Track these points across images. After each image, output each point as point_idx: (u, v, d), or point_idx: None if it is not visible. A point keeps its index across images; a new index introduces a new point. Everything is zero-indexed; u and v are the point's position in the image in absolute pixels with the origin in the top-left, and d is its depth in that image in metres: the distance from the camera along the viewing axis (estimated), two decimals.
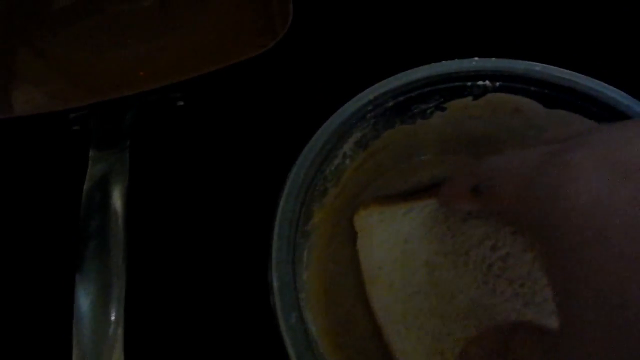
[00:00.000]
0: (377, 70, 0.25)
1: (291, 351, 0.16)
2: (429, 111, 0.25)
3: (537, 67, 0.23)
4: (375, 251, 0.24)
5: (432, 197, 0.23)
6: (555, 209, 0.14)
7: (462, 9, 0.33)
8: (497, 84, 0.24)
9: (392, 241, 0.24)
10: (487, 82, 0.24)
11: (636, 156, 0.14)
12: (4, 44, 0.35)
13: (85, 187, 0.26)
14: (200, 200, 0.28)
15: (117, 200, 0.25)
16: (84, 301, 0.21)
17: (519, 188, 0.16)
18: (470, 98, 0.25)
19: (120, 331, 0.20)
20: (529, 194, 0.15)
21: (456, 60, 0.23)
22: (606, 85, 0.23)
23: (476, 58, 0.24)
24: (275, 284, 0.17)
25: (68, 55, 0.36)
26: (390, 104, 0.23)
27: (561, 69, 0.23)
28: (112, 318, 0.21)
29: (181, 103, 0.32)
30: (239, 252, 0.25)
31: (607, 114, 0.23)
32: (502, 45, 0.25)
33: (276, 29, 0.31)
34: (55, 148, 0.31)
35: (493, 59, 0.24)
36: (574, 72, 0.23)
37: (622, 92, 0.23)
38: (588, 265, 0.13)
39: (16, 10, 0.38)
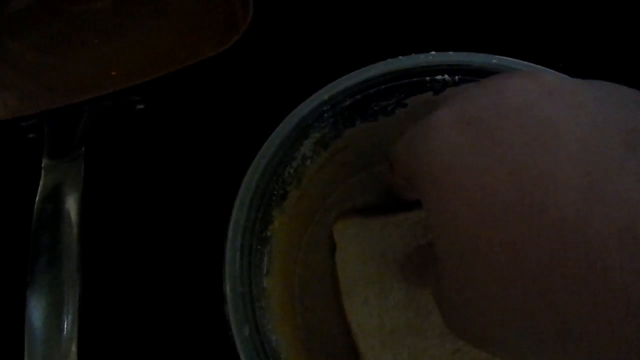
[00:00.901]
0: (336, 68, 0.24)
1: None
2: (390, 108, 0.25)
3: (494, 60, 0.23)
4: (351, 264, 0.23)
5: (411, 212, 0.23)
6: (423, 166, 0.16)
7: (420, 4, 0.32)
8: (457, 77, 0.24)
9: (369, 255, 0.23)
10: (446, 77, 0.24)
11: (482, 108, 0.15)
12: None
13: (37, 198, 0.25)
14: (159, 208, 0.27)
15: (70, 210, 0.24)
16: (35, 317, 0.20)
17: (404, 154, 0.17)
18: (430, 93, 0.24)
19: (73, 347, 0.20)
20: (408, 157, 0.17)
21: (412, 55, 0.23)
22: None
23: (433, 52, 0.23)
24: (228, 294, 0.17)
25: (19, 59, 0.35)
26: (348, 102, 0.23)
27: (518, 61, 0.23)
28: (65, 333, 0.20)
29: (141, 106, 0.31)
30: (195, 261, 0.24)
31: None
32: (461, 39, 0.25)
33: (235, 28, 0.31)
34: (9, 157, 0.30)
35: (450, 52, 0.23)
36: (533, 64, 0.23)
37: None
38: (453, 211, 0.14)
39: None
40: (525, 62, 0.23)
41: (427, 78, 0.24)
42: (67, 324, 0.20)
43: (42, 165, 0.26)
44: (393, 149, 0.19)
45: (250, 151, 0.22)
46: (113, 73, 0.33)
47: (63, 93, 0.32)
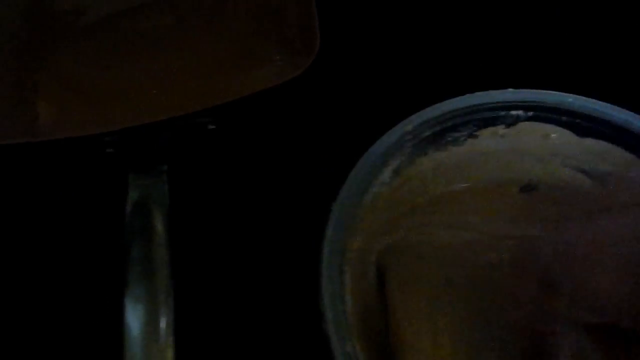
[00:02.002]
0: (412, 100, 0.25)
1: None
2: (462, 139, 0.26)
3: (570, 99, 0.24)
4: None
5: None
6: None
7: (497, 43, 0.34)
8: (530, 113, 0.25)
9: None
10: (520, 112, 0.25)
11: None
12: (29, 65, 0.36)
13: (126, 212, 0.26)
14: (241, 223, 0.28)
15: (158, 223, 0.26)
16: (134, 325, 0.22)
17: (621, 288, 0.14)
18: (502, 126, 0.26)
19: (170, 353, 0.21)
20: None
21: (491, 91, 0.24)
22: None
23: (510, 89, 0.24)
24: (328, 312, 0.18)
25: (94, 77, 0.37)
26: (427, 133, 0.24)
27: (595, 100, 0.24)
28: (162, 340, 0.21)
29: (212, 127, 0.33)
30: (283, 274, 0.25)
31: None
32: (535, 76, 0.26)
33: (304, 57, 0.32)
34: (89, 171, 0.32)
35: (526, 90, 0.24)
36: (609, 104, 0.24)
37: None
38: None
39: (40, 29, 0.39)
40: (601, 102, 0.24)
41: (502, 113, 0.25)
42: (163, 331, 0.21)
43: (129, 180, 0.28)
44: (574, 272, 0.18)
45: (329, 174, 0.24)
46: (182, 96, 0.35)
47: (136, 113, 0.34)
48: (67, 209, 0.30)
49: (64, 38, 0.39)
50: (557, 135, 0.26)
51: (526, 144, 0.26)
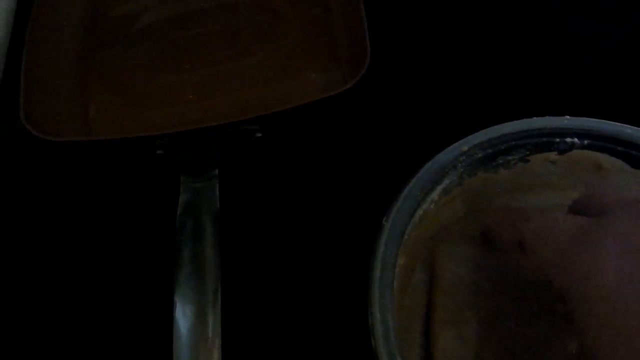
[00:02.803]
0: (467, 120, 0.26)
1: None
2: (513, 162, 0.26)
3: (629, 130, 0.24)
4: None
5: None
6: (586, 282, 0.18)
7: (557, 70, 0.34)
8: (585, 141, 0.25)
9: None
10: (575, 140, 0.25)
11: None
12: (85, 67, 0.38)
13: (178, 213, 0.27)
14: (289, 231, 0.29)
15: (208, 227, 0.27)
16: (182, 324, 0.22)
17: (555, 256, 0.19)
18: (555, 153, 0.25)
19: (216, 353, 0.21)
20: (563, 263, 0.19)
21: (547, 117, 0.24)
22: None
23: (567, 116, 0.24)
24: (378, 327, 0.18)
25: (145, 81, 0.38)
26: (480, 155, 0.24)
27: None
28: (209, 340, 0.22)
29: (259, 135, 0.34)
30: (331, 285, 0.26)
31: None
32: (591, 105, 0.26)
33: (353, 71, 0.32)
34: (139, 171, 0.33)
35: (584, 118, 0.24)
36: None
37: None
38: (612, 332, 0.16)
39: (95, 34, 0.40)
40: None
41: (557, 139, 0.25)
42: (210, 332, 0.22)
43: (181, 182, 0.29)
44: (534, 241, 0.21)
45: (376, 188, 0.24)
46: (229, 104, 0.36)
47: (184, 119, 0.35)
48: (121, 208, 0.31)
49: (118, 43, 0.40)
50: (611, 165, 0.25)
51: (577, 173, 0.26)
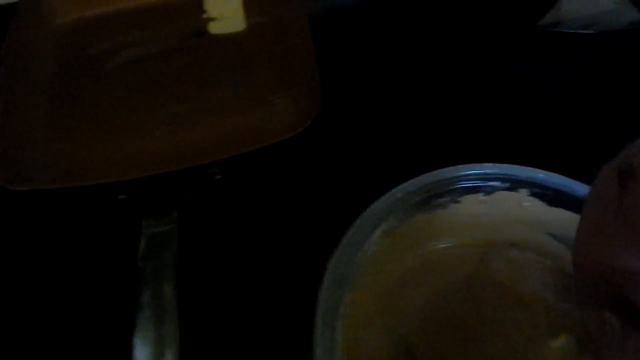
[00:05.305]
0: (403, 168, 0.29)
1: None
2: (445, 203, 0.29)
3: (541, 174, 0.27)
4: None
5: None
6: None
7: (479, 122, 0.38)
8: (506, 184, 0.28)
9: None
10: (497, 183, 0.28)
11: None
12: (58, 109, 0.38)
13: (139, 257, 0.29)
14: (242, 271, 0.31)
15: (168, 270, 0.28)
16: None
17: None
18: (482, 194, 0.29)
19: None
20: None
21: (472, 164, 0.28)
22: None
23: (488, 164, 0.28)
24: None
25: (114, 122, 0.39)
26: (416, 199, 0.27)
27: (561, 176, 0.27)
28: None
29: (219, 177, 0.35)
30: (279, 325, 0.28)
31: None
32: (512, 152, 0.29)
33: (307, 114, 0.34)
34: (103, 216, 0.34)
35: (502, 164, 0.28)
36: (572, 180, 0.27)
37: None
38: None
39: (69, 74, 0.41)
40: (566, 178, 0.27)
41: (482, 183, 0.28)
42: None
43: (143, 226, 0.30)
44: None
45: (324, 231, 0.27)
46: (193, 148, 0.37)
47: (149, 163, 0.36)
48: (81, 253, 0.32)
49: (90, 82, 0.41)
50: (530, 204, 0.29)
51: (505, 210, 0.29)
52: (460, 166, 0.27)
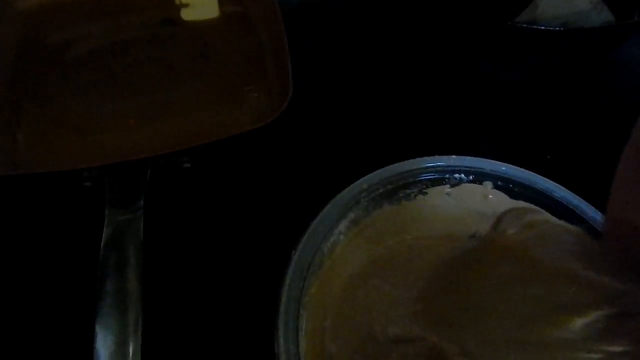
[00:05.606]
0: (369, 159, 0.29)
1: None
2: (412, 195, 0.29)
3: (503, 167, 0.28)
4: None
5: None
6: None
7: (446, 114, 0.38)
8: (471, 177, 0.29)
9: None
10: (462, 175, 0.28)
11: None
12: (15, 96, 0.38)
13: (102, 245, 0.28)
14: (208, 260, 0.30)
15: (132, 258, 0.28)
16: (102, 352, 0.23)
17: None
18: (448, 186, 0.29)
19: None
20: None
21: (437, 156, 0.28)
22: (559, 185, 0.28)
23: (454, 156, 0.28)
24: (283, 357, 0.21)
25: (76, 111, 0.38)
26: (381, 190, 0.27)
27: (524, 170, 0.28)
28: None
29: (187, 165, 0.35)
30: (244, 315, 0.28)
31: (560, 209, 0.27)
32: (476, 145, 0.30)
33: (277, 104, 0.34)
34: (67, 203, 0.33)
35: (468, 157, 0.28)
36: (535, 174, 0.28)
37: (572, 193, 0.27)
38: None
39: (29, 61, 0.40)
40: (529, 172, 0.28)
41: (447, 175, 0.28)
42: None
43: (106, 214, 0.30)
44: None
45: (291, 223, 0.27)
46: (161, 136, 0.37)
47: (115, 151, 0.36)
48: (44, 241, 0.31)
49: (51, 71, 0.40)
50: (494, 196, 0.29)
51: (469, 202, 0.30)
52: (427, 158, 0.28)
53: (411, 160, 0.28)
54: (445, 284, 0.23)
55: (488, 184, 0.29)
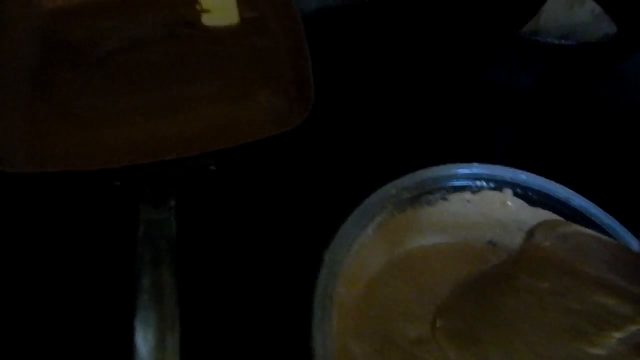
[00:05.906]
0: (395, 164, 0.30)
1: None
2: (434, 200, 0.30)
3: (523, 176, 0.29)
4: None
5: None
6: None
7: (467, 123, 0.39)
8: (491, 184, 0.30)
9: None
10: (484, 183, 0.30)
11: None
12: (42, 95, 0.38)
13: (137, 243, 0.29)
14: (241, 259, 0.32)
15: (166, 255, 0.29)
16: (142, 348, 0.25)
17: None
18: (469, 192, 0.30)
19: None
20: None
21: (459, 164, 0.29)
22: (577, 194, 0.29)
23: (476, 164, 0.29)
24: (319, 354, 0.22)
25: (102, 110, 0.39)
26: (408, 196, 0.28)
27: (544, 178, 0.29)
28: None
29: (213, 168, 0.36)
30: (279, 310, 0.29)
31: (578, 217, 0.29)
32: (496, 153, 0.31)
33: (298, 109, 0.35)
34: (102, 202, 0.34)
35: (489, 165, 0.29)
36: (554, 182, 0.29)
37: (590, 201, 0.29)
38: None
39: (54, 58, 0.41)
40: (548, 180, 0.29)
41: (469, 182, 0.30)
42: (170, 354, 0.24)
43: (140, 213, 0.31)
44: None
45: (320, 226, 0.28)
46: (185, 138, 0.38)
47: (141, 152, 0.37)
48: (81, 239, 0.33)
49: (77, 69, 0.41)
50: (513, 203, 0.31)
51: (488, 209, 0.31)
52: (452, 165, 0.29)
53: (438, 167, 0.29)
54: (471, 299, 0.23)
55: (508, 192, 0.30)
